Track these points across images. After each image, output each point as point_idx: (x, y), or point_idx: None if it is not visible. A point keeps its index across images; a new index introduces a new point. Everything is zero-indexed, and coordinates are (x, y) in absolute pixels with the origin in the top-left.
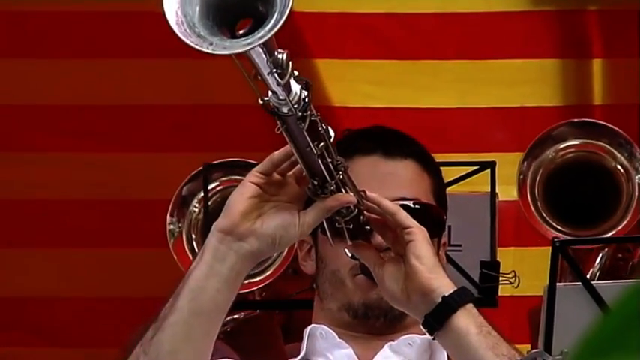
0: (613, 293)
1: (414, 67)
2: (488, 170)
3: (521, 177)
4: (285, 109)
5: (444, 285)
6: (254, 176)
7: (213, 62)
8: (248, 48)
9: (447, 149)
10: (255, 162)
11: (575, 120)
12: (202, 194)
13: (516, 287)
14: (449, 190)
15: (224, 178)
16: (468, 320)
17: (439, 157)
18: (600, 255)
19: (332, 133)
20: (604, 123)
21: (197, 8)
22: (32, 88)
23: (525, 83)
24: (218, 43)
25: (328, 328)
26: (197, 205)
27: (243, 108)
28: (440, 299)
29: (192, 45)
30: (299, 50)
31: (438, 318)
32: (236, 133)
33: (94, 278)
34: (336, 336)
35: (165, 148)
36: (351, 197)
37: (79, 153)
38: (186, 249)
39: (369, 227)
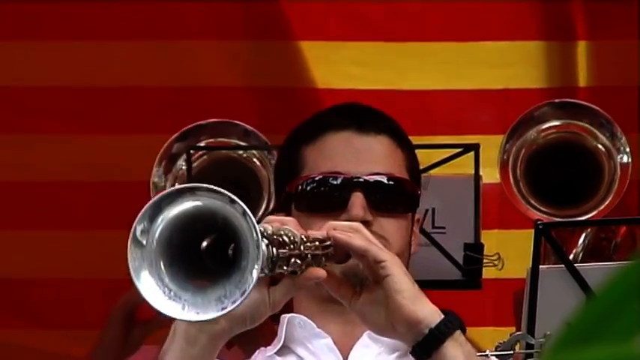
0: (596, 276)
1: (398, 49)
2: (472, 152)
3: (504, 157)
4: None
5: (429, 315)
6: None
7: (196, 44)
8: (221, 314)
9: (432, 131)
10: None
11: (557, 100)
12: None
13: (500, 270)
14: (433, 172)
15: (211, 140)
16: (455, 350)
17: (423, 139)
18: (583, 235)
19: (298, 236)
20: (585, 103)
21: (161, 266)
22: (16, 71)
23: (509, 65)
24: (191, 301)
25: (306, 319)
26: (183, 163)
27: (227, 89)
28: (427, 331)
29: (167, 312)
30: (283, 32)
31: (426, 350)
32: (220, 114)
33: (78, 260)
34: (315, 326)
35: (150, 130)
36: (319, 272)
37: (64, 135)
38: None
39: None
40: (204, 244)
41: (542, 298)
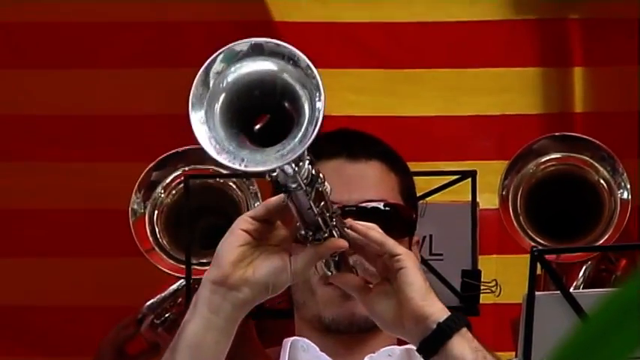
0: (592, 302)
1: (397, 76)
2: (470, 179)
3: (504, 192)
4: (293, 185)
5: (437, 311)
6: (245, 222)
7: (193, 72)
8: (282, 163)
9: (430, 157)
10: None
11: (557, 134)
12: (168, 181)
13: (498, 296)
14: (430, 199)
15: (186, 168)
16: (462, 346)
17: (422, 165)
18: (584, 268)
19: (329, 188)
20: (586, 137)
21: (217, 119)
22: (15, 98)
23: (506, 92)
24: (249, 158)
25: (310, 342)
26: (162, 192)
27: None
28: (434, 326)
29: (225, 162)
30: None
31: (433, 345)
32: None
33: (74, 287)
34: (317, 349)
35: (149, 158)
36: (342, 242)
37: (60, 162)
38: (147, 229)
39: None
40: (258, 126)
41: (538, 324)
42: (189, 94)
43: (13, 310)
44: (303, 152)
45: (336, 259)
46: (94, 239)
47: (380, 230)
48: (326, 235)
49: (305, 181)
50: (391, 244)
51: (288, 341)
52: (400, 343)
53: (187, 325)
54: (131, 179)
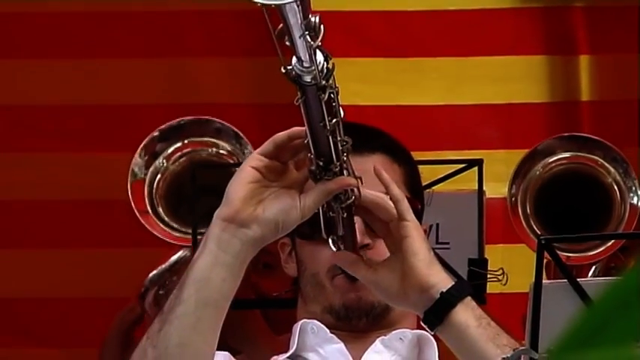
0: (599, 290)
1: (400, 65)
2: (476, 167)
3: (513, 191)
4: (308, 78)
5: (441, 280)
6: (254, 159)
7: (197, 61)
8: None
9: (435, 146)
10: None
11: (565, 134)
12: (170, 152)
13: (504, 285)
14: (436, 188)
15: (186, 141)
16: (467, 314)
17: (427, 155)
18: (594, 267)
19: (342, 112)
20: (596, 137)
21: None
22: (11, 89)
23: (512, 80)
24: None
25: (320, 324)
26: (164, 162)
27: (228, 106)
28: (438, 295)
29: None
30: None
31: (437, 314)
32: None
33: (69, 279)
34: (327, 331)
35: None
36: (352, 180)
37: (60, 153)
38: (145, 192)
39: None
40: None
41: (545, 313)
42: (187, 85)
43: (8, 303)
44: (309, 3)
45: (342, 233)
46: (89, 230)
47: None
48: (337, 170)
49: (320, 74)
50: (405, 206)
51: (298, 324)
52: (410, 327)
53: (196, 261)
54: (127, 170)
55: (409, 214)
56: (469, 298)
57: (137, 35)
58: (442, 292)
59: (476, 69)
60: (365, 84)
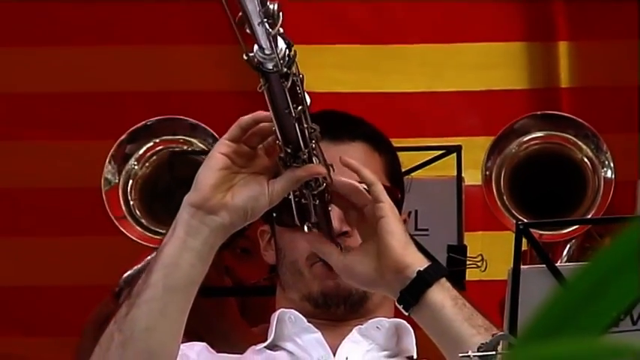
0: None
1: (381, 52)
2: (455, 154)
3: (487, 172)
4: (270, 65)
5: (417, 261)
6: (223, 145)
7: (182, 48)
8: None
9: (415, 133)
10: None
11: (539, 112)
12: (141, 152)
13: (484, 271)
14: (415, 174)
15: (157, 140)
16: (442, 294)
17: (407, 142)
18: (568, 246)
19: (308, 100)
20: (569, 115)
21: None
22: None
23: (492, 67)
24: None
25: (297, 313)
26: (136, 163)
27: (212, 94)
28: (414, 275)
29: None
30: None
31: (413, 293)
32: (208, 119)
33: (50, 267)
34: (305, 320)
35: (117, 136)
36: (321, 168)
37: (33, 141)
38: (120, 198)
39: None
40: None
41: (524, 298)
42: (169, 73)
43: (7, 292)
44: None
45: (316, 220)
46: (69, 218)
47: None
48: (305, 157)
49: (282, 61)
50: (380, 188)
51: (275, 314)
52: (387, 316)
53: (164, 246)
54: (106, 157)
55: (384, 196)
56: (444, 279)
57: (120, 22)
58: (419, 271)
59: (455, 56)
60: (345, 71)
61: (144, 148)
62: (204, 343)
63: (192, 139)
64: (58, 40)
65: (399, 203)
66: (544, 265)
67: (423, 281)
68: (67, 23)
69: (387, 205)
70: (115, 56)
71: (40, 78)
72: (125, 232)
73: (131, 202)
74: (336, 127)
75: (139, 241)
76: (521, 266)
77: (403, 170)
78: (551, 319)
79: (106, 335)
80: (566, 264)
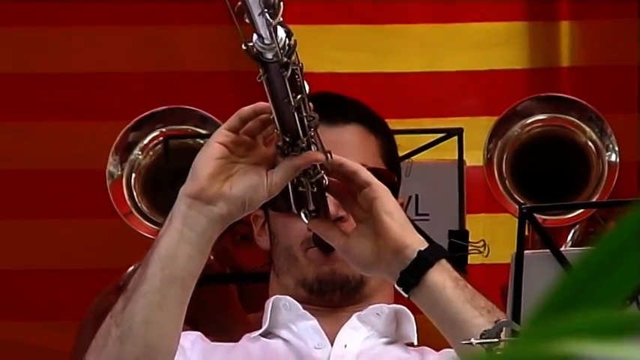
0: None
1: (380, 32)
2: (456, 137)
3: (488, 156)
4: (269, 55)
5: (417, 241)
6: (221, 135)
7: (178, 29)
8: None
9: (415, 114)
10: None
11: (542, 94)
12: (146, 142)
13: (486, 256)
14: (415, 158)
15: (164, 129)
16: (443, 275)
17: (407, 123)
18: (572, 231)
19: (307, 88)
20: (572, 97)
21: None
22: None
23: (493, 47)
24: None
25: (292, 300)
26: (140, 153)
27: (207, 75)
28: (415, 255)
29: None
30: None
31: (413, 274)
32: (200, 100)
33: (51, 250)
34: (300, 307)
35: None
36: (319, 155)
37: (33, 122)
38: (125, 192)
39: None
40: None
41: (527, 283)
42: (166, 53)
43: None
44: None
45: (314, 208)
46: (71, 201)
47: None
48: (304, 145)
49: (282, 51)
50: (364, 173)
51: (270, 300)
52: (386, 302)
53: (161, 238)
54: (107, 139)
55: (371, 178)
56: (445, 260)
57: (114, 2)
58: (420, 251)
59: (456, 36)
60: (343, 51)
61: (149, 138)
62: (198, 332)
63: (200, 130)
64: (44, 19)
65: (395, 187)
66: (548, 250)
67: (424, 261)
68: (54, 2)
69: (375, 186)
70: (109, 36)
71: (38, 59)
72: (134, 228)
73: (136, 196)
74: (330, 109)
75: (148, 235)
76: (525, 251)
77: (403, 154)
78: (565, 294)
79: (103, 330)
80: (571, 249)
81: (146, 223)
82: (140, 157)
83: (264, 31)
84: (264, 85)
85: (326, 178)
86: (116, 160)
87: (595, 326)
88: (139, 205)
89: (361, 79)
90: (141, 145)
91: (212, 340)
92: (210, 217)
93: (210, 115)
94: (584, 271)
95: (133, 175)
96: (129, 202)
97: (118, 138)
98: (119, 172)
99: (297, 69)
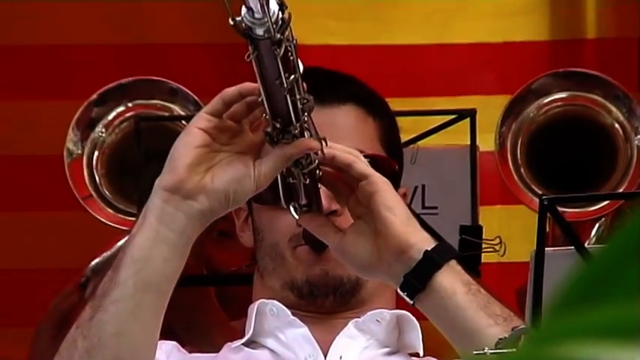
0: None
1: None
2: (468, 119)
3: (501, 140)
4: (260, 31)
5: (422, 240)
6: (202, 119)
7: (153, 4)
8: None
9: (421, 93)
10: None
11: (561, 70)
12: (110, 118)
13: (502, 255)
14: (421, 143)
15: (130, 104)
16: (453, 278)
17: (411, 103)
18: (597, 225)
19: (301, 67)
20: (596, 73)
21: None
22: None
23: (509, 15)
24: None
25: (280, 304)
26: (104, 130)
27: (185, 47)
28: (420, 255)
29: None
30: None
31: (420, 277)
32: (178, 73)
33: (5, 247)
34: (289, 313)
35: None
36: (314, 143)
37: None
38: (85, 173)
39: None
40: None
41: (548, 284)
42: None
43: None
44: None
45: (305, 201)
46: (26, 191)
47: (353, 152)
48: (296, 132)
49: (274, 26)
50: (362, 165)
51: (254, 305)
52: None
53: (134, 237)
54: (67, 120)
55: (369, 170)
56: (454, 261)
57: None
58: (426, 251)
59: (467, 3)
60: (340, 21)
61: (113, 113)
62: (174, 342)
63: (170, 105)
64: None
65: (397, 176)
66: (572, 247)
67: (431, 262)
68: None
69: (374, 177)
70: (76, 7)
71: None
72: (92, 213)
73: (97, 178)
74: (323, 87)
75: (109, 223)
76: (546, 249)
77: (408, 138)
78: (583, 287)
79: (68, 342)
80: (597, 245)
81: (107, 209)
82: (104, 135)
83: (254, 4)
84: (254, 65)
85: (320, 168)
86: (77, 136)
87: (607, 325)
88: (101, 188)
89: (360, 52)
90: (105, 121)
91: (190, 351)
92: (190, 213)
93: (180, 86)
94: (600, 266)
95: (96, 153)
96: (89, 185)
97: (78, 112)
98: (79, 151)
99: (290, 46)
